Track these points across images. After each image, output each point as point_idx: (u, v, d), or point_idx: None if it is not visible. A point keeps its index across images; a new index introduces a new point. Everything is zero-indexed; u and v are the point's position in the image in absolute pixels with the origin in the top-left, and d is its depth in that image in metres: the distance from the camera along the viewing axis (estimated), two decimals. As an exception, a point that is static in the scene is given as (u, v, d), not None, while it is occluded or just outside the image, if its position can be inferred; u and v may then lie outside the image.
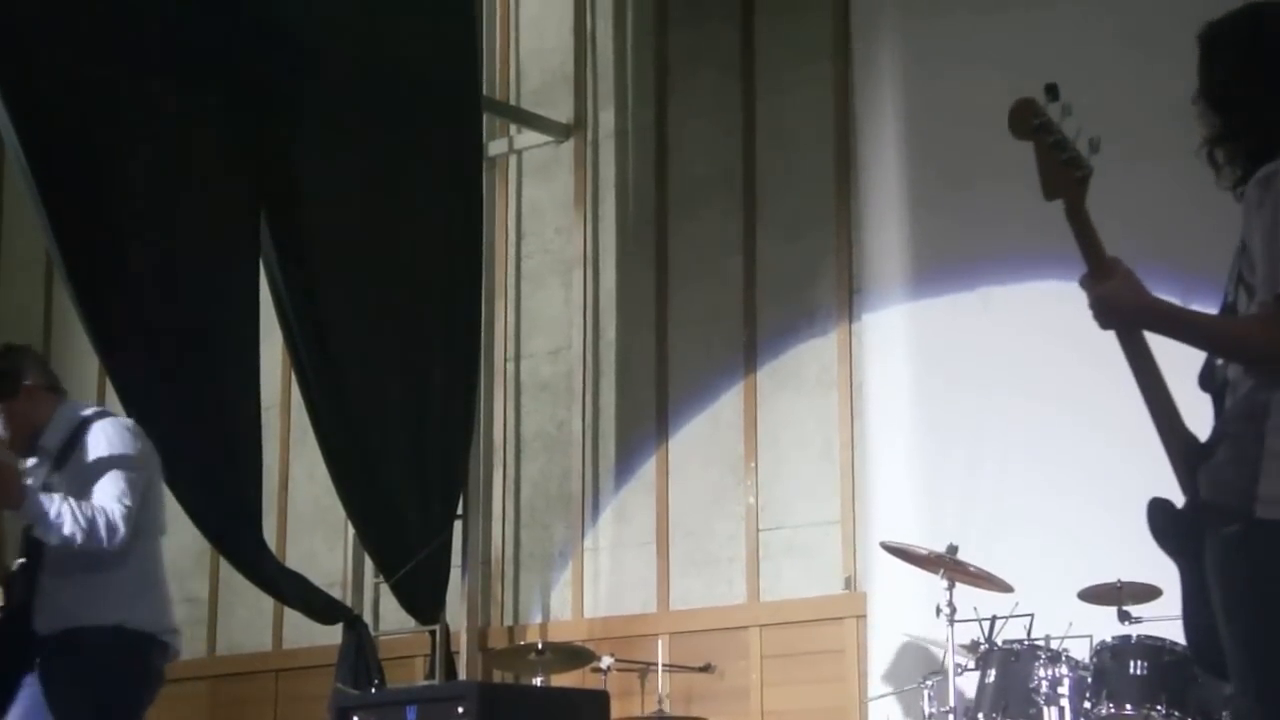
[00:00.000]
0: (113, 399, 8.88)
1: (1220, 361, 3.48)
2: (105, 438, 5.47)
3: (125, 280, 7.30)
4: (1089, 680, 6.37)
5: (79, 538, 5.24)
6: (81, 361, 10.05)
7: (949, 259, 8.04)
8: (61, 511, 5.22)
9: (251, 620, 9.76)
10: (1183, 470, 3.42)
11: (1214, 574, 3.30)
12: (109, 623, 5.39)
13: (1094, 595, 6.55)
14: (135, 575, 5.46)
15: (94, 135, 7.33)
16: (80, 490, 5.34)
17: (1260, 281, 3.29)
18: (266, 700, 9.64)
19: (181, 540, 9.54)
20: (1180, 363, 3.54)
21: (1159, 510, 3.47)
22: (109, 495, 5.32)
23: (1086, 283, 3.45)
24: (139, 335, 7.33)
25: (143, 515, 5.41)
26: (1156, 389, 3.44)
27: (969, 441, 7.84)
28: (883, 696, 7.58)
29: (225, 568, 8.80)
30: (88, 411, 5.66)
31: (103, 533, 5.26)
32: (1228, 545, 3.28)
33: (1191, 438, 3.45)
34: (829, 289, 8.56)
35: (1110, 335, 3.47)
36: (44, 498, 5.26)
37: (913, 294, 8.16)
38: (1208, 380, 3.52)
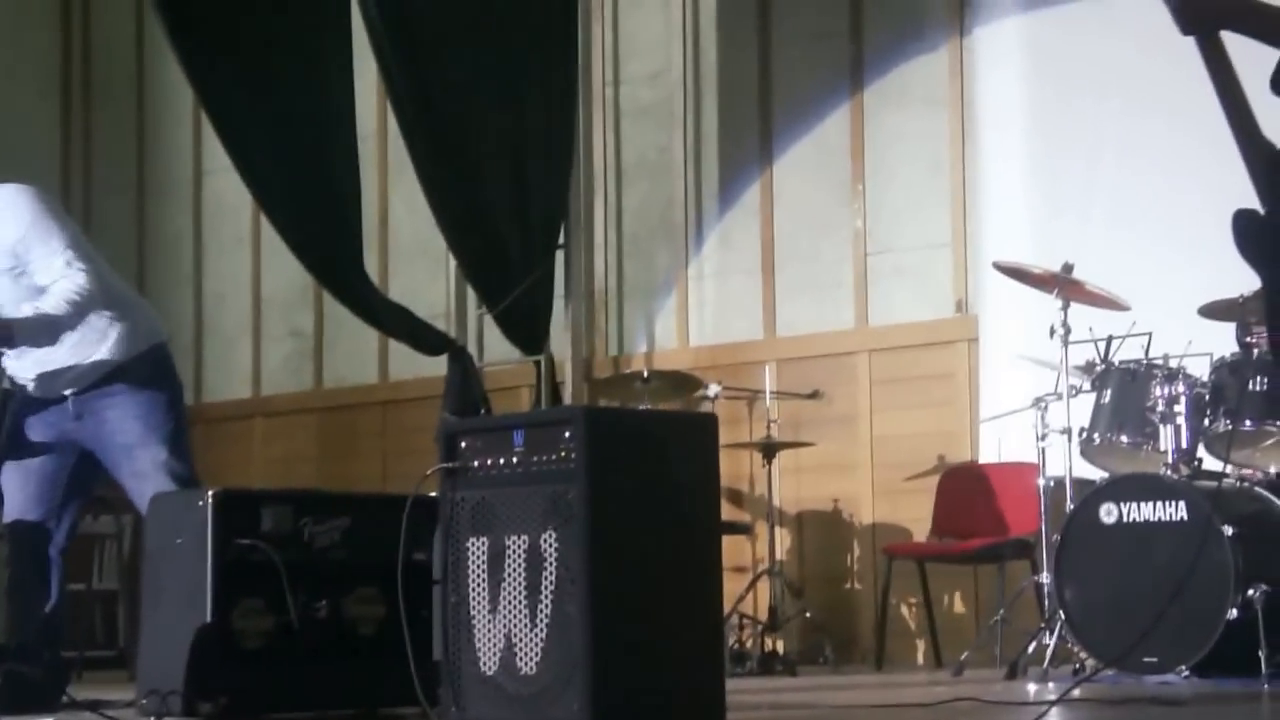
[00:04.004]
0: (208, 134, 8.80)
1: None
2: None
3: (218, 11, 7.14)
4: (1206, 398, 6.21)
5: (71, 319, 5.18)
6: (176, 94, 9.97)
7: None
8: (42, 310, 5.15)
9: (357, 353, 9.77)
10: (1261, 178, 3.36)
11: None
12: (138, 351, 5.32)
13: (1215, 311, 6.35)
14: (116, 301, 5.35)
15: None
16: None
17: None
18: (374, 431, 9.71)
19: (285, 275, 9.58)
20: (1254, 73, 3.43)
21: (1244, 220, 3.40)
22: (55, 270, 5.19)
23: None
24: (232, 68, 7.20)
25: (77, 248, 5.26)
26: (1235, 98, 3.36)
27: (1084, 157, 7.67)
28: (995, 419, 7.49)
29: (329, 301, 8.79)
30: None
31: (75, 297, 5.16)
32: None
33: (1269, 145, 3.36)
34: (938, 2, 8.29)
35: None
36: (19, 318, 5.16)
37: (1026, 5, 7.95)
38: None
